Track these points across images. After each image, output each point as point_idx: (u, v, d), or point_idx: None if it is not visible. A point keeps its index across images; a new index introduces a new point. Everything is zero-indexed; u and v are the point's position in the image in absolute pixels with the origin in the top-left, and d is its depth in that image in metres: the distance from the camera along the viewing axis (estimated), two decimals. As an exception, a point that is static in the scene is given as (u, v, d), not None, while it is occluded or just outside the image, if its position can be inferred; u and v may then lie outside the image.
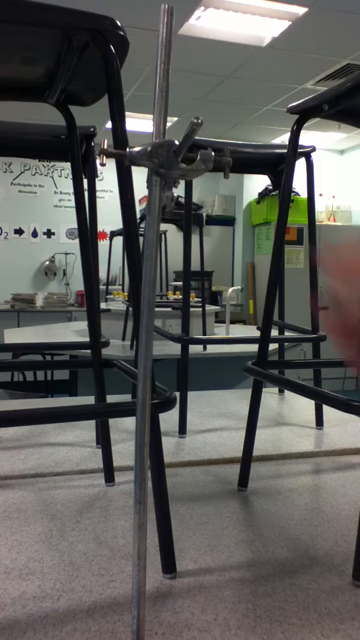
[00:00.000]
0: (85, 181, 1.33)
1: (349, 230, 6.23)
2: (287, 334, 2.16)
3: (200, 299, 3.07)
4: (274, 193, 5.91)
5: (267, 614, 0.79)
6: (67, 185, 6.49)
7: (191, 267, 1.74)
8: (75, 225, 1.45)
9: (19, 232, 6.48)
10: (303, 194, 5.48)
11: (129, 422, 1.74)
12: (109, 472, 1.26)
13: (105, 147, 0.51)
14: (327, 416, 1.75)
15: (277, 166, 1.84)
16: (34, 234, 6.53)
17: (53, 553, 0.95)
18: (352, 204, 6.46)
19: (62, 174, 6.58)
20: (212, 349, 2.68)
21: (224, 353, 2.70)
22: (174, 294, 3.45)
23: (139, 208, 4.55)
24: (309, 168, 1.73)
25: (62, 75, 0.99)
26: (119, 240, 3.57)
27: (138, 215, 3.08)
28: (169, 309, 3.03)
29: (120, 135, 0.84)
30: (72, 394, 3.37)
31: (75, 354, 2.71)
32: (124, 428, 1.68)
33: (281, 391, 2.22)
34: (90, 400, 1.83)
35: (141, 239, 0.85)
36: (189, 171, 0.50)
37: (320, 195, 6.24)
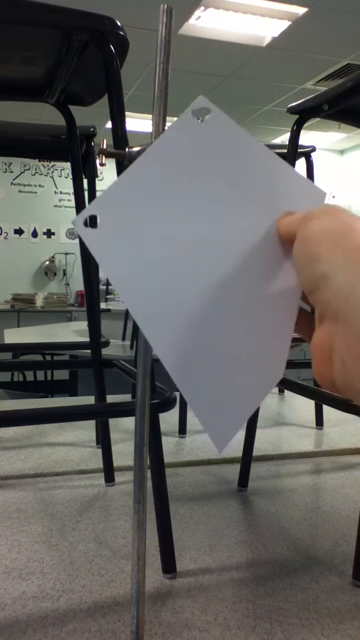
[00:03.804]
0: (85, 181, 1.33)
1: (349, 230, 6.21)
2: (287, 334, 2.16)
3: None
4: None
5: (267, 614, 0.79)
6: (67, 185, 6.49)
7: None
8: (75, 225, 1.45)
9: (19, 232, 6.48)
10: (303, 194, 5.47)
11: (129, 422, 1.74)
12: (109, 472, 1.26)
13: (105, 147, 0.51)
14: (327, 416, 1.75)
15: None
16: (34, 234, 6.53)
17: (53, 553, 0.95)
18: (352, 204, 6.46)
19: (62, 174, 6.58)
20: (212, 349, 2.68)
21: (224, 353, 2.69)
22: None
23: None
24: (309, 168, 1.73)
25: (62, 75, 0.99)
26: (119, 240, 3.57)
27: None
28: (169, 309, 3.02)
29: (120, 135, 0.84)
30: (72, 394, 3.37)
31: (75, 354, 2.71)
32: (124, 428, 1.68)
33: (281, 391, 2.21)
34: (90, 400, 1.83)
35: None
36: (188, 171, 0.50)
37: (320, 195, 6.24)
